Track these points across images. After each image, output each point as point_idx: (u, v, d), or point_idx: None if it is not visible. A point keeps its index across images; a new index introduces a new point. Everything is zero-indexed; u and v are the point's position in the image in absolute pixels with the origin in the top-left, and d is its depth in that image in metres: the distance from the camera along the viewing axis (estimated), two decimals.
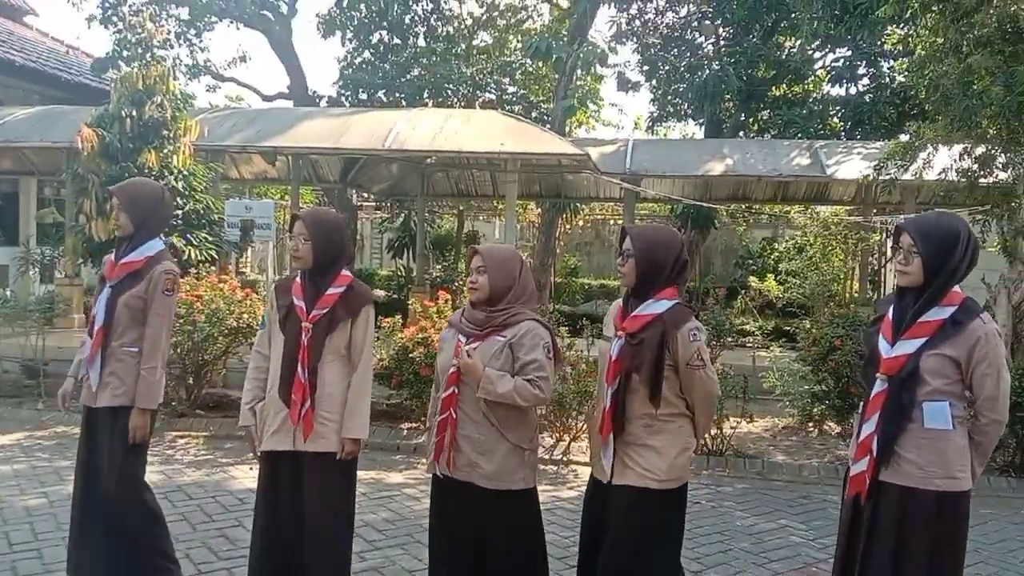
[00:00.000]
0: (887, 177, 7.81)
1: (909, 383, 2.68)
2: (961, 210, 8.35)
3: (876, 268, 14.29)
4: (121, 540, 3.59)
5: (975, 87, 6.61)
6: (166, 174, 7.72)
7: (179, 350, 6.87)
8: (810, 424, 7.36)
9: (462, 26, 19.41)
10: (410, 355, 6.60)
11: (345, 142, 8.79)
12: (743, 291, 16.84)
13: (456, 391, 3.12)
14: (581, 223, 21.44)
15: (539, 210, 17.78)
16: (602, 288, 18.73)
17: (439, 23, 18.39)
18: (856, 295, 13.42)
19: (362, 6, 16.52)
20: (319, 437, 3.23)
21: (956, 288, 2.72)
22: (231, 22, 16.48)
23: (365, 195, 18.15)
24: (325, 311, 3.28)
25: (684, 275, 3.02)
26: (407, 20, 17.59)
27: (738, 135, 15.61)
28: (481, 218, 21.11)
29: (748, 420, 6.50)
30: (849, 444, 2.98)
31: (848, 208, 13.86)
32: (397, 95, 17.96)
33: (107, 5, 14.50)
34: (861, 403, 2.90)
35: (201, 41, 17.46)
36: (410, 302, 11.39)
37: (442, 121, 9.12)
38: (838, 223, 13.49)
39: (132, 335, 3.61)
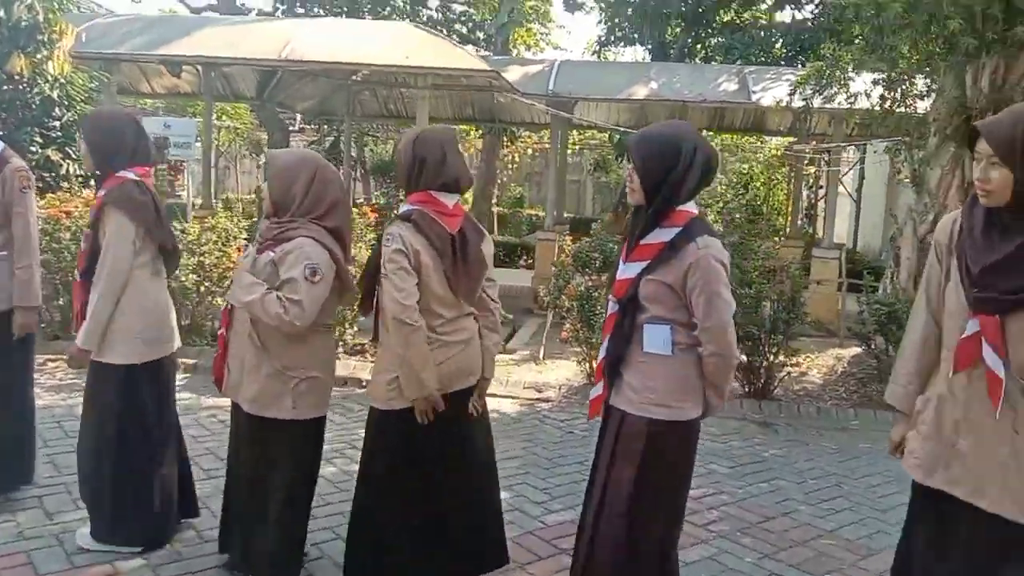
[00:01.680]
0: (800, 104, 7.55)
1: (631, 307, 2.52)
2: (879, 141, 8.17)
3: (813, 201, 14.16)
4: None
5: (886, 6, 6.31)
6: (39, 81, 7.22)
7: (47, 269, 6.49)
8: None
9: None
10: None
11: (242, 51, 8.28)
12: None
13: (231, 306, 2.98)
14: (530, 152, 21.02)
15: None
16: None
17: None
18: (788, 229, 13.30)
19: None
20: None
21: (688, 207, 2.49)
22: None
23: (302, 116, 17.53)
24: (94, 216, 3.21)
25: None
26: None
27: (684, 61, 15.21)
28: None
29: None
30: None
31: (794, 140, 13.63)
32: (336, 10, 17.25)
33: None
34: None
35: None
36: None
37: (347, 32, 8.63)
38: (777, 155, 13.32)
39: None
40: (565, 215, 19.65)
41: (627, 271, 2.54)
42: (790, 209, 14.04)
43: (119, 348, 3.18)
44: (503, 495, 4.26)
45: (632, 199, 2.55)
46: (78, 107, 7.60)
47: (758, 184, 18.36)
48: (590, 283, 6.06)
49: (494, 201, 18.45)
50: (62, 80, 7.39)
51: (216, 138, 20.60)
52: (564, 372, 6.84)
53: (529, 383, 6.42)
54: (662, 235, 2.47)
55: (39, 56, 7.27)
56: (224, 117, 20.78)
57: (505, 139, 16.52)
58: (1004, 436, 2.09)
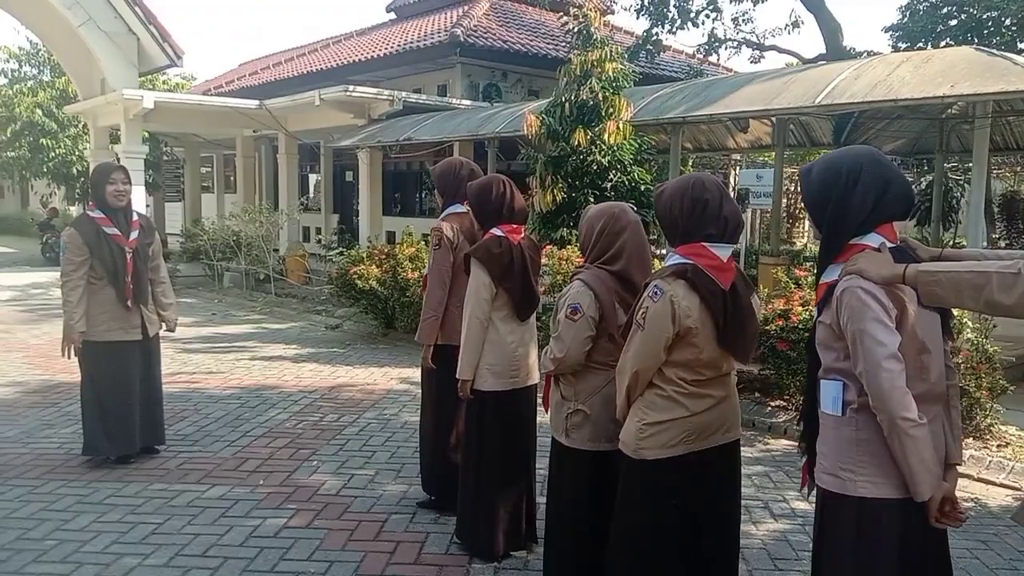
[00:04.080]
0: None
1: (811, 356, 2.23)
2: None
3: None
4: None
5: None
6: (593, 150, 8.53)
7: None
8: None
9: None
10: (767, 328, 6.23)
11: (776, 103, 8.38)
12: None
13: None
14: None
15: None
16: None
17: None
18: None
19: None
20: None
21: (866, 239, 2.10)
22: None
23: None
24: None
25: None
26: None
27: None
28: None
29: None
30: None
31: None
32: (972, 37, 15.70)
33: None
34: None
35: (747, 14, 17.96)
36: None
37: (893, 67, 8.00)
38: None
39: None
40: None
41: (816, 315, 2.27)
42: None
43: (478, 376, 3.76)
44: None
45: (815, 235, 2.26)
46: (629, 170, 8.72)
47: None
48: None
49: None
50: (614, 148, 8.59)
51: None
52: None
53: None
54: (833, 273, 2.15)
55: (597, 129, 8.60)
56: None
57: None
58: None
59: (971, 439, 5.58)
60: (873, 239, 2.10)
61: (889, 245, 2.12)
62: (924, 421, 2.00)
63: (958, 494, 4.96)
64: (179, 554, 3.80)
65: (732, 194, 12.30)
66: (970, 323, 5.58)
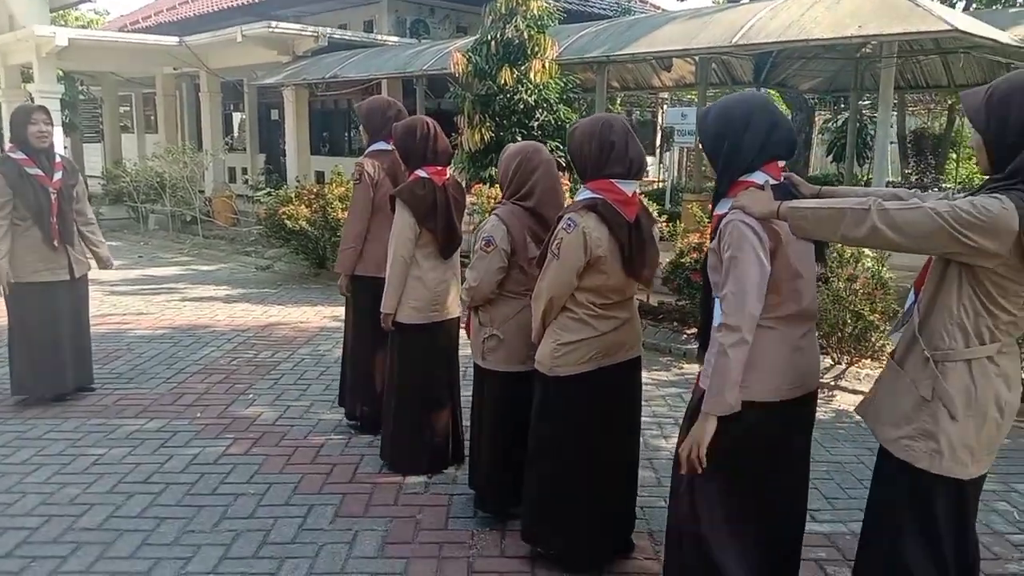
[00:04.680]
0: None
1: (704, 279, 2.48)
2: None
3: None
4: None
5: None
6: (519, 88, 8.66)
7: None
8: None
9: None
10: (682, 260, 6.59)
11: (696, 42, 8.62)
12: None
13: None
14: None
15: None
16: None
17: None
18: None
19: None
20: None
21: (753, 176, 2.34)
22: None
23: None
24: None
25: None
26: None
27: None
28: None
29: None
30: None
31: None
32: None
33: None
34: None
35: None
36: None
37: (807, 7, 8.29)
38: None
39: None
40: None
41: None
42: None
43: (400, 309, 3.98)
44: None
45: (713, 172, 2.54)
46: (555, 108, 8.88)
47: None
48: None
49: None
50: (540, 87, 8.72)
51: None
52: None
53: None
54: (724, 206, 2.40)
55: (523, 68, 8.72)
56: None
57: None
58: None
59: (868, 359, 6.06)
60: (759, 176, 2.35)
61: (773, 182, 2.37)
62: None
63: (850, 409, 5.39)
64: (122, 482, 3.96)
65: (658, 132, 12.58)
66: (869, 252, 5.99)
